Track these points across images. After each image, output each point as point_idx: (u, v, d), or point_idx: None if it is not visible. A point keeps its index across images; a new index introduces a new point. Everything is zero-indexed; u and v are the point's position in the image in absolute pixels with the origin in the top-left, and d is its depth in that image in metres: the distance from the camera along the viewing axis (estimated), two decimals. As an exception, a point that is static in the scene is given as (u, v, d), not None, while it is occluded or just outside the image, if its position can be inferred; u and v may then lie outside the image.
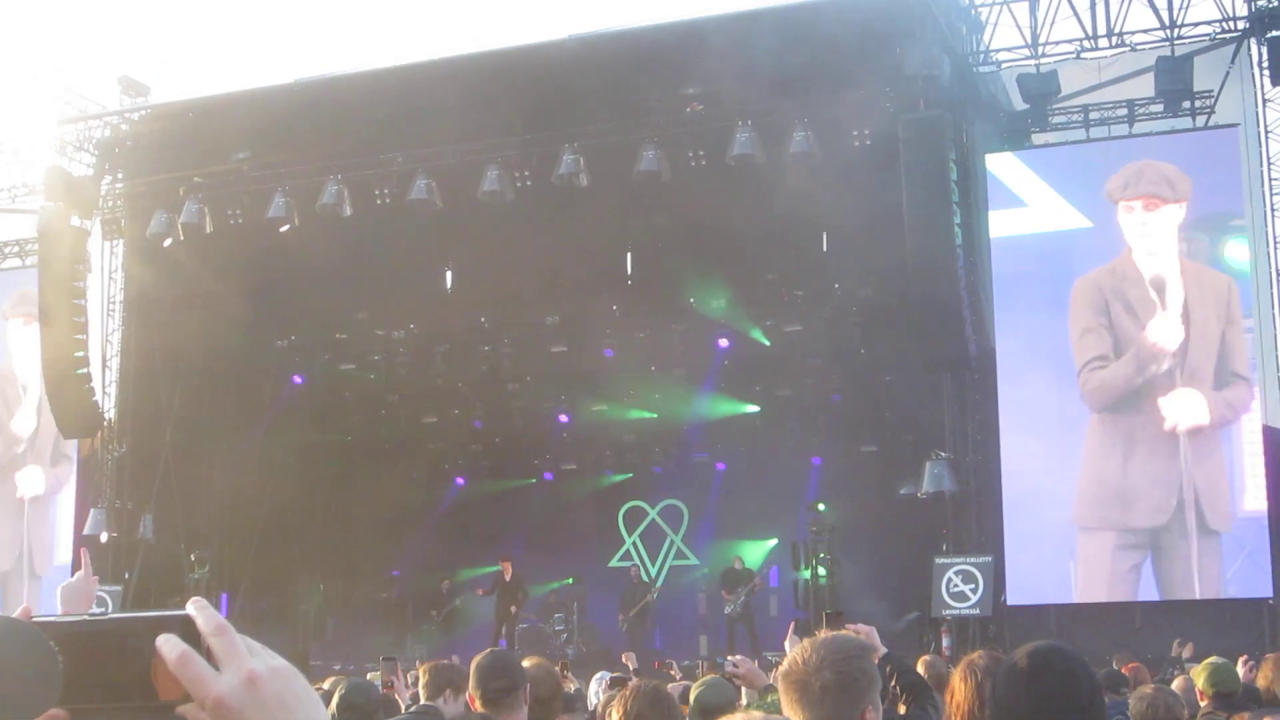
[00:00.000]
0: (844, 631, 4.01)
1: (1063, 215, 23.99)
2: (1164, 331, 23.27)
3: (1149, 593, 22.74)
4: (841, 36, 22.39)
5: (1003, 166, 24.47)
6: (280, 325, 31.21)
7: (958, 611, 22.61)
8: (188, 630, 1.96)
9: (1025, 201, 24.23)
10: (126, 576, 27.34)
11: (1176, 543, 22.54)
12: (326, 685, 9.52)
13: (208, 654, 1.95)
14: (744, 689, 7.57)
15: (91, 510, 27.98)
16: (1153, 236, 23.63)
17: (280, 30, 54.01)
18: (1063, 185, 24.20)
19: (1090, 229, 24.01)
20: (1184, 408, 22.81)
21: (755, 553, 29.55)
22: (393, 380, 32.17)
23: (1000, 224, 24.25)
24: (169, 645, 1.93)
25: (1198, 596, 22.47)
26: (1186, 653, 17.20)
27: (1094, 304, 23.80)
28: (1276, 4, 23.79)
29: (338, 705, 7.82)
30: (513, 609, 27.30)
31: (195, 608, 1.98)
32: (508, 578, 27.49)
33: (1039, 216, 24.12)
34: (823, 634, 3.94)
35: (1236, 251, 23.51)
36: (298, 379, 31.93)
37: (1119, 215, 23.87)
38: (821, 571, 26.60)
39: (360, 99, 25.77)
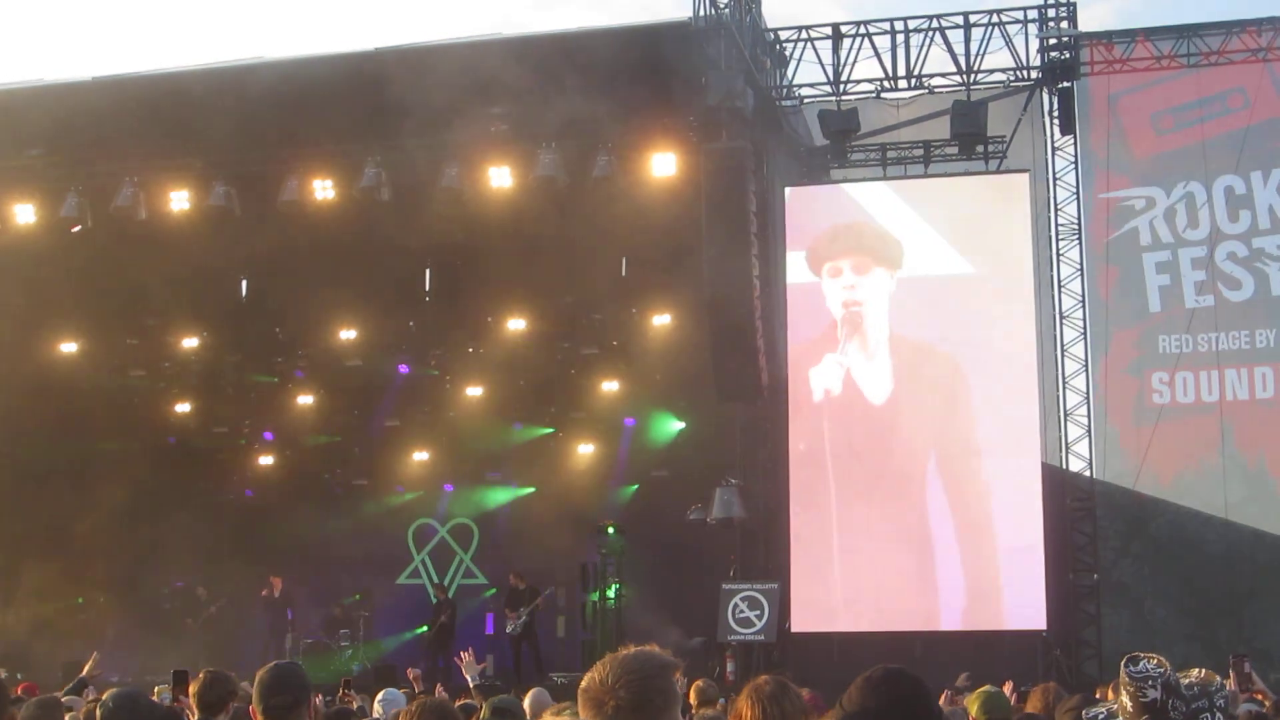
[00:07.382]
0: (648, 648, 4.00)
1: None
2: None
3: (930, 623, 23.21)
4: (648, 64, 22.52)
5: (799, 203, 24.75)
6: (68, 329, 30.40)
7: (742, 637, 22.85)
8: None
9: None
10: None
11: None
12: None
13: None
14: None
15: None
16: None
17: (82, 25, 52.75)
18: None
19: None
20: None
21: (543, 573, 29.40)
22: (183, 388, 31.62)
23: (795, 268, 24.54)
24: None
25: (974, 628, 22.99)
26: (960, 681, 17.58)
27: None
28: (1068, 56, 24.55)
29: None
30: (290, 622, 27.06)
31: None
32: (276, 593, 27.21)
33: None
34: (625, 651, 3.95)
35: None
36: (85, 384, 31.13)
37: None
38: (610, 594, 26.66)
39: (159, 101, 25.20)
